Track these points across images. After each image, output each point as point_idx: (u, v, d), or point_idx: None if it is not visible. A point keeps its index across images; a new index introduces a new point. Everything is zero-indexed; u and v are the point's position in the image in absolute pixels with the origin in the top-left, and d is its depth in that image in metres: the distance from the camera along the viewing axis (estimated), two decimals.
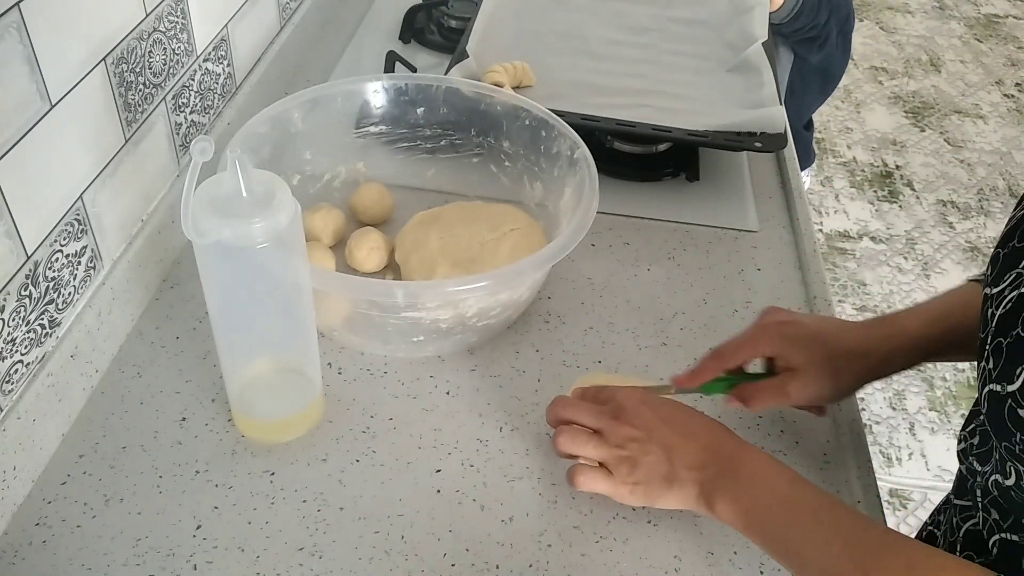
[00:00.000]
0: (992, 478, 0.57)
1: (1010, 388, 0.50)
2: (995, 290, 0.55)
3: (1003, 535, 0.57)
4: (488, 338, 0.82)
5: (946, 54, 3.41)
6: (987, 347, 0.54)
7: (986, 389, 0.53)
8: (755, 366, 0.74)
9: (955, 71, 3.31)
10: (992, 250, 0.59)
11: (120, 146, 0.77)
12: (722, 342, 0.73)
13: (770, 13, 1.20)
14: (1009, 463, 0.53)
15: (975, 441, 0.60)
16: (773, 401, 0.71)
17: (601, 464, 0.66)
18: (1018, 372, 0.50)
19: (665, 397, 0.69)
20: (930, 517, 0.74)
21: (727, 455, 0.63)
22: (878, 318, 0.74)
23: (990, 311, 0.55)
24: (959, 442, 0.63)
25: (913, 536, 0.75)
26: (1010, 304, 0.52)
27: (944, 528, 0.68)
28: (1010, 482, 0.54)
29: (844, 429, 0.77)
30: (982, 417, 0.55)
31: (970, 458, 0.60)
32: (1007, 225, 0.58)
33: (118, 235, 0.79)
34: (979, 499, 0.60)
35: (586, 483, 0.66)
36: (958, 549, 0.63)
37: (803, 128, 1.60)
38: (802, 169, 1.45)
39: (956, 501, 0.65)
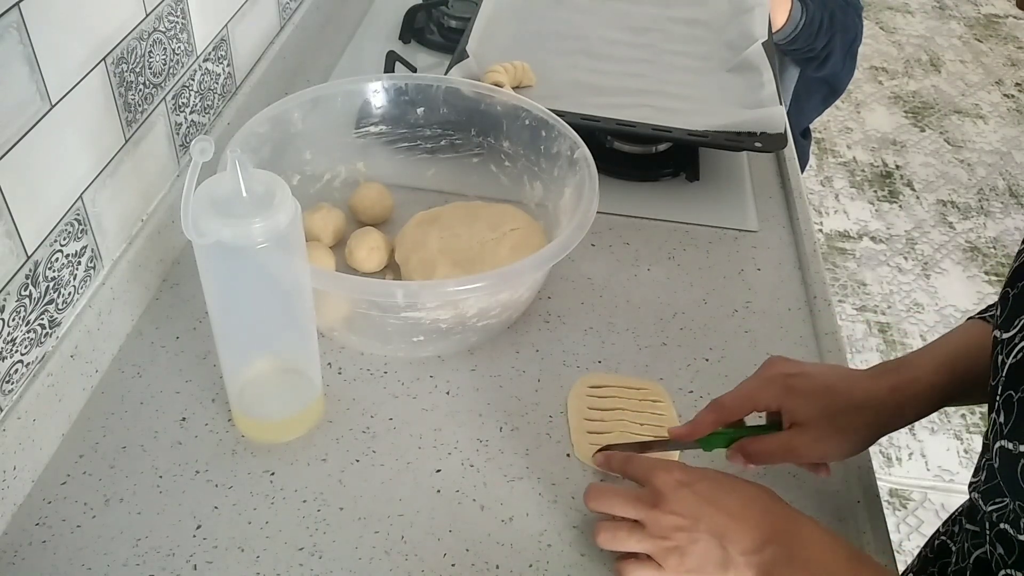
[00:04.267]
0: (999, 523, 0.55)
1: (1023, 448, 0.48)
2: (1005, 335, 0.53)
3: (1008, 571, 0.55)
4: (488, 338, 0.82)
5: (946, 54, 3.41)
6: (998, 398, 0.52)
7: (997, 444, 0.51)
8: (758, 418, 0.71)
9: (955, 71, 3.31)
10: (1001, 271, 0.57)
11: (120, 146, 0.77)
12: (722, 394, 0.69)
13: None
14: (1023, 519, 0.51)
15: (982, 477, 0.57)
16: (779, 458, 0.67)
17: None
18: None
19: (702, 469, 0.63)
20: (943, 527, 0.73)
21: (782, 534, 0.58)
22: (887, 365, 0.69)
23: (1000, 358, 0.53)
24: (973, 474, 0.60)
25: (924, 544, 0.75)
26: (1021, 354, 0.50)
27: (957, 548, 0.66)
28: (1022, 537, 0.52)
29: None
30: (989, 463, 0.53)
31: (975, 495, 0.58)
32: (1016, 260, 0.55)
33: (118, 235, 0.79)
34: (987, 531, 0.58)
35: None
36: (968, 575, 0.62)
37: (800, 135, 1.60)
38: None
39: (968, 525, 0.64)
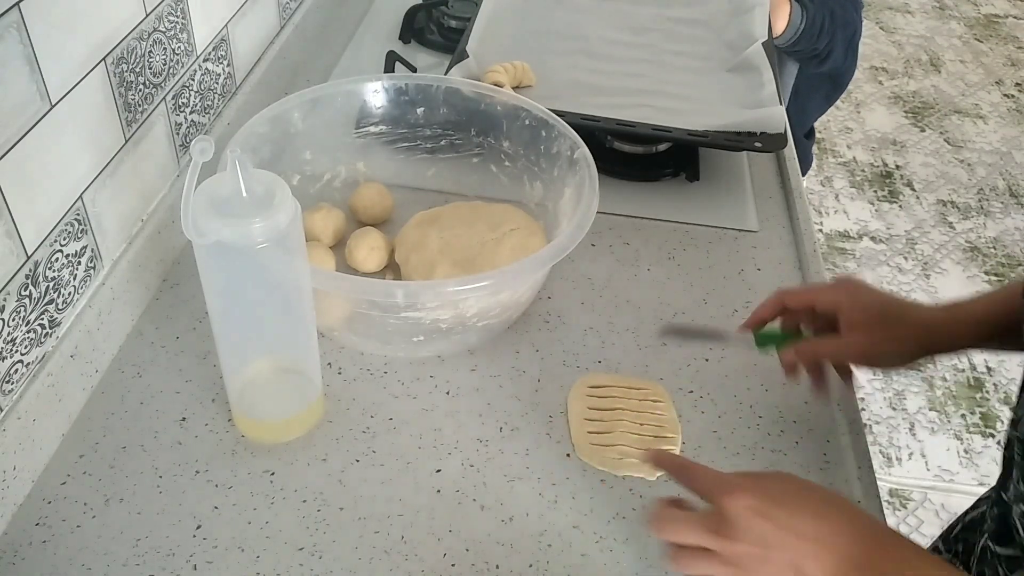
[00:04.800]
0: None
1: None
2: None
3: None
4: (488, 338, 0.82)
5: (946, 54, 3.41)
6: None
7: None
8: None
9: (955, 71, 3.31)
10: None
11: (120, 146, 0.77)
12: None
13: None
14: None
15: None
16: (830, 355, 0.71)
17: None
18: None
19: (773, 479, 0.57)
20: (944, 544, 0.73)
21: (868, 559, 0.52)
22: (942, 303, 0.73)
23: None
24: (1000, 488, 0.58)
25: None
26: None
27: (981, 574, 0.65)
28: None
29: (844, 429, 0.77)
30: None
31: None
32: None
33: (118, 235, 0.79)
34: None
35: None
36: None
37: (804, 136, 1.59)
38: None
39: (999, 549, 0.61)
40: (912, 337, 0.69)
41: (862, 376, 2.04)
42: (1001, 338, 0.69)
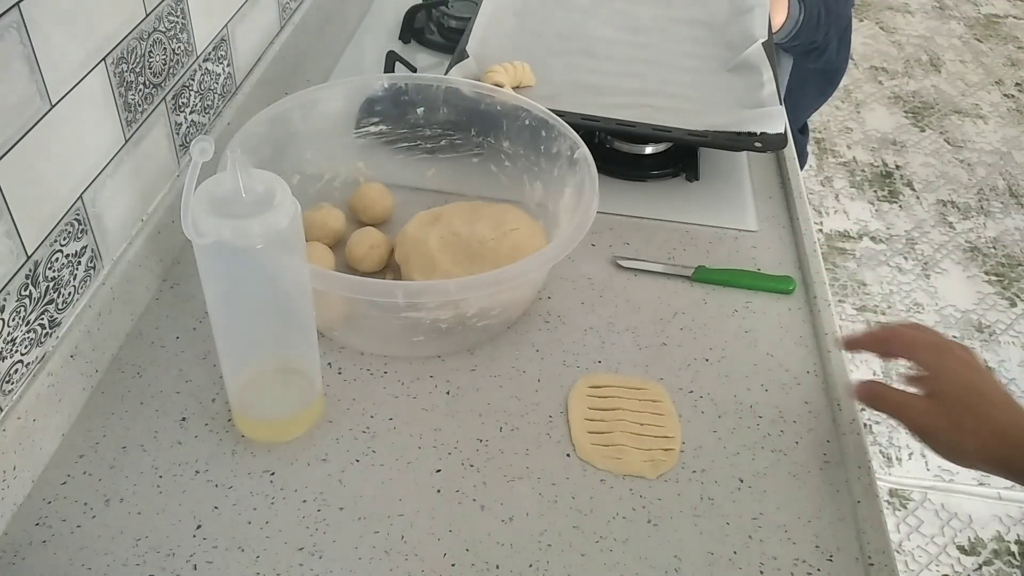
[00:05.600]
0: None
1: None
2: None
3: None
4: (488, 338, 0.82)
5: (946, 54, 3.41)
6: None
7: None
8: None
9: (955, 71, 3.31)
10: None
11: (120, 146, 0.77)
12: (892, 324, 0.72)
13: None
14: None
15: None
16: (893, 406, 0.68)
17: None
18: None
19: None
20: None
21: None
22: None
23: None
24: None
25: None
26: None
27: None
28: None
29: (844, 429, 0.77)
30: None
31: None
32: None
33: (118, 235, 0.79)
34: None
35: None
36: None
37: (799, 131, 1.59)
38: None
39: None
40: (972, 431, 0.63)
41: (863, 378, 2.04)
42: None
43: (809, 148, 1.68)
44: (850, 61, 1.57)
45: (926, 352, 0.68)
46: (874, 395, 0.69)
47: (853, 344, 0.74)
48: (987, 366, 0.63)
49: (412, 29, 1.28)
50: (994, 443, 0.62)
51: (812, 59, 1.39)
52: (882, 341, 0.72)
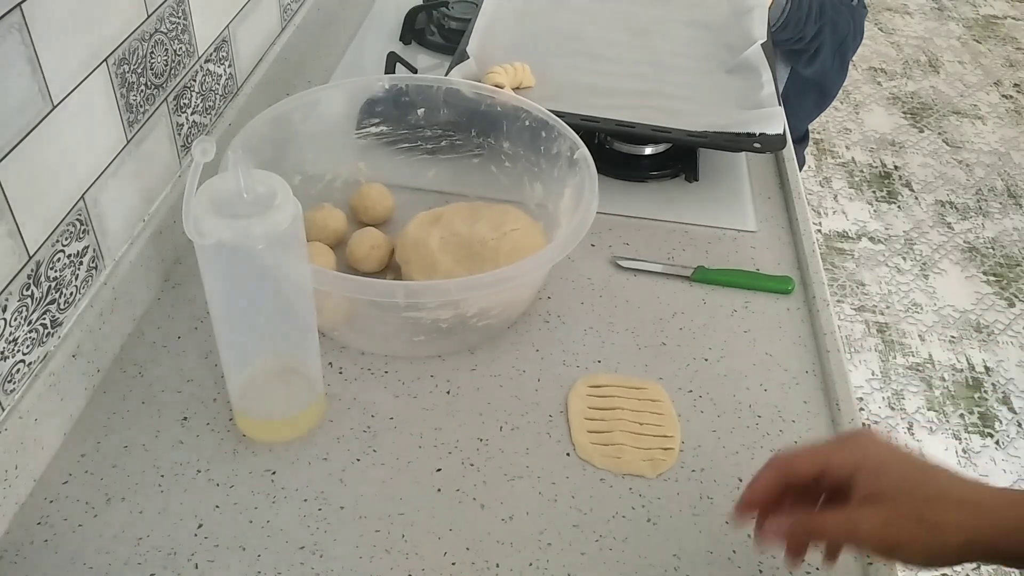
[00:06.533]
0: None
1: None
2: None
3: None
4: (488, 338, 0.82)
5: (944, 55, 3.41)
6: None
7: None
8: None
9: (954, 72, 3.31)
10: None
11: (122, 146, 0.78)
12: (783, 451, 0.59)
13: None
14: None
15: None
16: (834, 531, 0.54)
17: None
18: None
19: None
20: None
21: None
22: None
23: None
24: None
25: None
26: None
27: None
28: None
29: (843, 429, 0.77)
30: None
31: None
32: None
33: (120, 235, 0.79)
34: None
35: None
36: None
37: (794, 140, 1.59)
38: None
39: None
40: (954, 524, 0.50)
41: (862, 378, 2.05)
42: None
43: (808, 149, 1.68)
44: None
45: (829, 455, 0.56)
46: (802, 531, 0.55)
47: (746, 507, 0.59)
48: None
49: (413, 30, 1.28)
50: (983, 525, 0.51)
51: (804, 62, 1.39)
52: (781, 475, 0.57)
